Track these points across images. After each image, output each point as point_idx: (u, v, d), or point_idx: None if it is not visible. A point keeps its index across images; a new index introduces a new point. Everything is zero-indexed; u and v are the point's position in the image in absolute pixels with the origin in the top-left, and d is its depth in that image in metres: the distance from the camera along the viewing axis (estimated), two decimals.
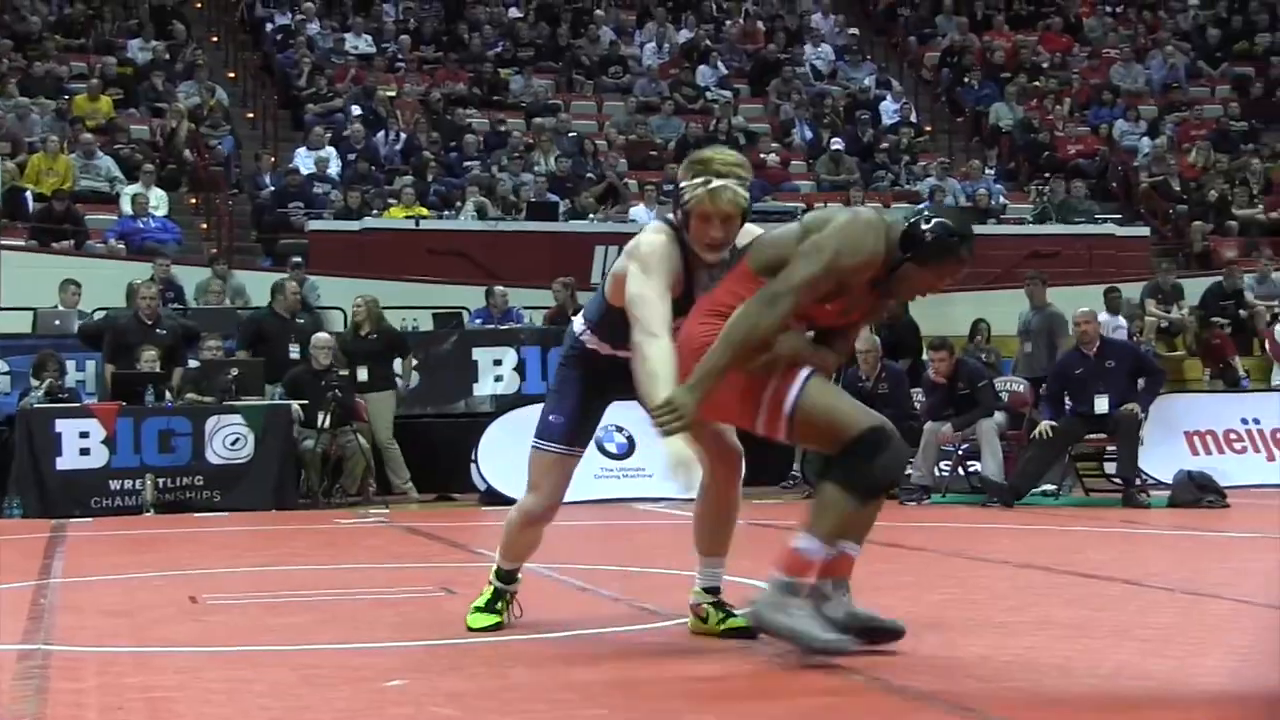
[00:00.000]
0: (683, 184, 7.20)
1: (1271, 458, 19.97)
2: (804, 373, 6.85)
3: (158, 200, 24.83)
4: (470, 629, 7.79)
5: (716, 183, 7.02)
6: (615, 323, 7.42)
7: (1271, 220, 28.76)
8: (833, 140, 29.83)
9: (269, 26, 30.54)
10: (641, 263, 7.14)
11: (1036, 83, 32.41)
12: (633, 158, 28.58)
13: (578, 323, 8.00)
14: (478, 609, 7.96)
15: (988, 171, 29.53)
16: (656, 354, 6.85)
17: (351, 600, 9.83)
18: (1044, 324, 19.95)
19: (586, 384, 7.83)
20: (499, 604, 7.97)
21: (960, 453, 18.73)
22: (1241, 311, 23.55)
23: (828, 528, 6.73)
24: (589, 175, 27.53)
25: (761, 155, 28.92)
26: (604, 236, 25.42)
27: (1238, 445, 20.01)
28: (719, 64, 31.68)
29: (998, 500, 16.94)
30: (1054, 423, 17.27)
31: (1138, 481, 17.03)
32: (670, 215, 7.48)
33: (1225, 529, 13.69)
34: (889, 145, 30.15)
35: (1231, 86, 32.97)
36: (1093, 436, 17.69)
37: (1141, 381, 17.98)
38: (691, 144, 28.61)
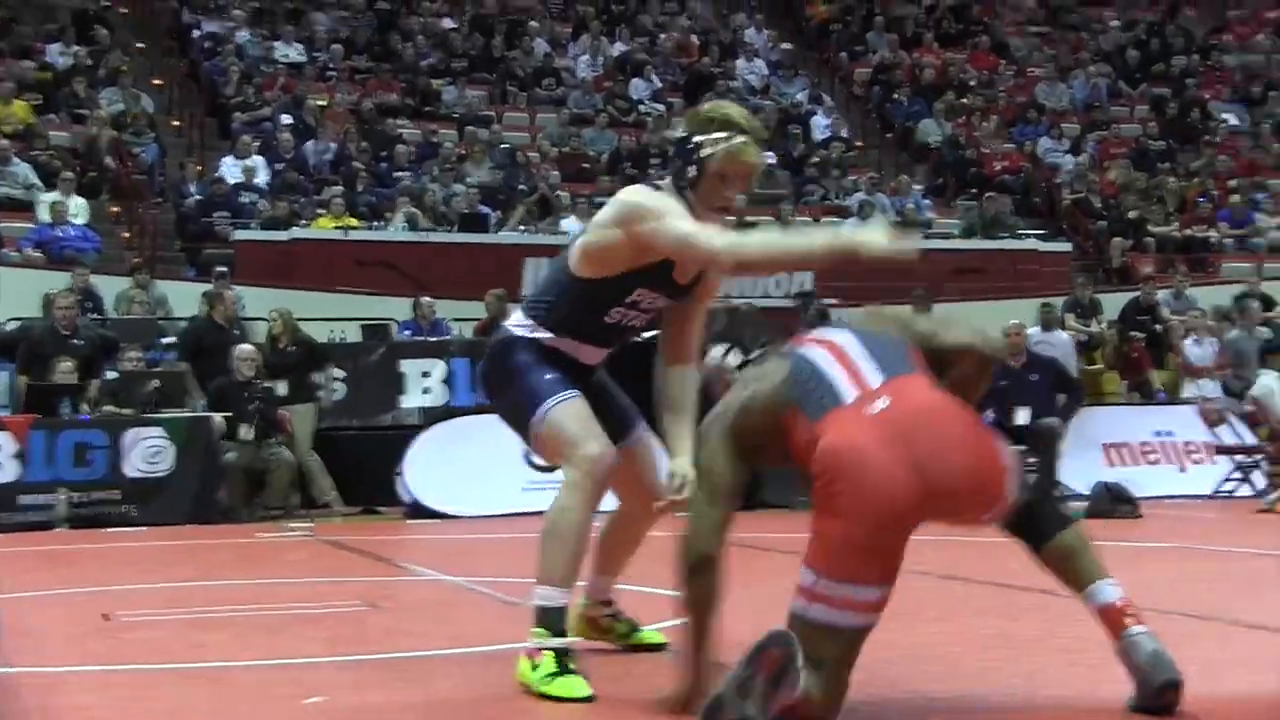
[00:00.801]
0: (699, 137, 6.42)
1: (1183, 469, 20.41)
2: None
3: (77, 208, 24.66)
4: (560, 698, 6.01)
5: (740, 139, 6.36)
6: (583, 304, 6.65)
7: (1185, 237, 28.99)
8: (765, 154, 29.85)
9: (196, 33, 30.49)
10: (654, 212, 6.27)
11: (964, 100, 32.67)
12: (565, 170, 28.57)
13: (513, 321, 7.02)
14: (551, 675, 6.06)
15: (916, 187, 29.66)
16: (764, 237, 6.40)
17: (273, 616, 9.63)
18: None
19: (554, 362, 6.65)
20: (569, 662, 6.14)
21: None
22: (1157, 326, 23.72)
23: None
24: (521, 187, 27.46)
25: None
26: (535, 249, 25.40)
27: (1151, 457, 20.53)
28: (653, 77, 31.76)
29: None
30: None
31: (1056, 493, 17.08)
32: (659, 180, 6.68)
33: (1137, 539, 13.76)
34: (820, 160, 30.26)
35: (1150, 107, 33.23)
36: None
37: (1062, 397, 18.24)
38: (624, 157, 28.78)
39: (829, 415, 5.21)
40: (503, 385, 6.80)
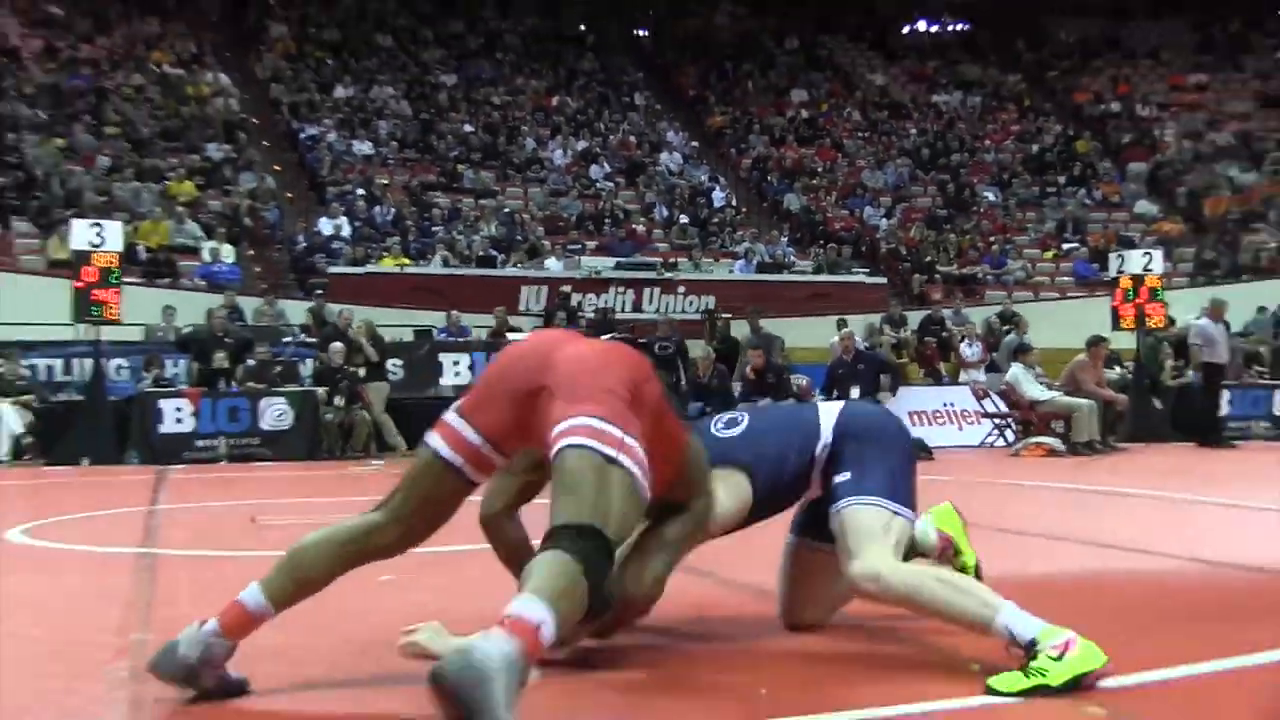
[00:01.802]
0: None
1: (960, 429, 20.76)
2: None
3: (227, 253, 24.61)
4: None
5: None
6: None
7: (961, 274, 29.04)
8: (680, 216, 29.89)
9: (302, 135, 30.31)
10: None
11: (814, 181, 32.55)
12: (547, 227, 28.51)
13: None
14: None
15: (782, 239, 29.58)
16: None
17: None
18: (764, 341, 20.08)
19: None
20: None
21: None
22: (943, 333, 23.79)
23: None
24: (517, 238, 27.43)
25: (633, 226, 29.01)
26: (527, 279, 25.57)
27: (940, 420, 20.88)
28: (605, 164, 31.62)
29: None
30: None
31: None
32: None
33: (933, 475, 13.77)
34: (718, 220, 30.22)
35: (937, 187, 33.17)
36: None
37: (886, 379, 18.48)
38: (587, 218, 28.78)
39: None
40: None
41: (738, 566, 5.95)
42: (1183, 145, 35.25)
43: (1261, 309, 25.47)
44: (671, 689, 4.08)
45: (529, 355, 4.05)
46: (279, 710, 3.84)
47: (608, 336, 21.93)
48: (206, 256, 24.63)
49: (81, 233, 17.44)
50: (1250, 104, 37.14)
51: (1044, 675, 3.72)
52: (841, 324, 21.75)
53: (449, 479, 4.01)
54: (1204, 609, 5.38)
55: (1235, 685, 3.91)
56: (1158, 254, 21.70)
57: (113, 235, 17.43)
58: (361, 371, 19.10)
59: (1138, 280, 20.51)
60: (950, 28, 40.76)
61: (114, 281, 17.16)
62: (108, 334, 17.96)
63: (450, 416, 4.11)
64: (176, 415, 17.83)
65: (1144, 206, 32.73)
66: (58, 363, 19.10)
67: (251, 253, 26.17)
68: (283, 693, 4.00)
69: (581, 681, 4.10)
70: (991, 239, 30.86)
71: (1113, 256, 22.39)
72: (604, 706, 3.89)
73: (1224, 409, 20.20)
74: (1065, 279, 29.58)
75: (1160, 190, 33.77)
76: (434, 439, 4.09)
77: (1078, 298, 27.61)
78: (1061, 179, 33.92)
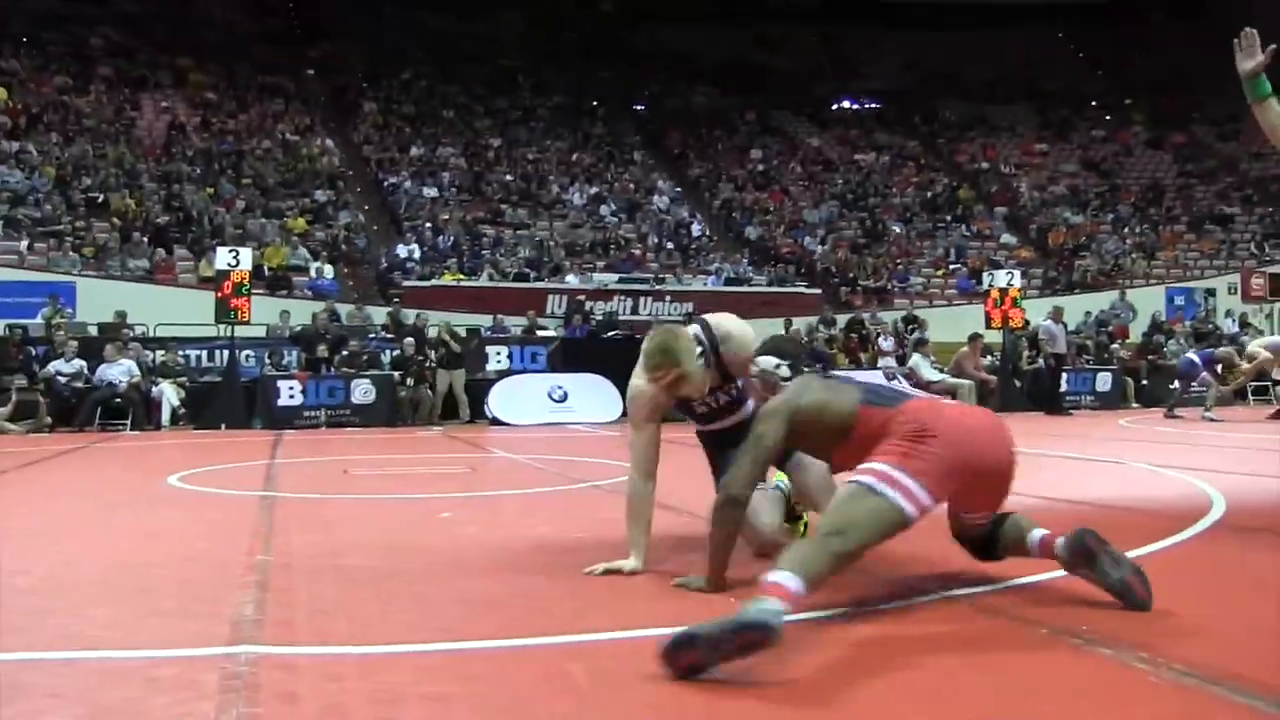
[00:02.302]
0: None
1: None
2: None
3: (328, 271, 24.65)
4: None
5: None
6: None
7: (877, 286, 29.07)
8: (667, 243, 29.90)
9: (385, 183, 30.31)
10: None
11: (767, 217, 32.54)
12: (568, 251, 28.48)
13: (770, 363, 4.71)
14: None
15: (743, 260, 29.59)
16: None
17: (425, 471, 9.75)
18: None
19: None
20: None
21: None
22: (864, 331, 23.85)
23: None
24: (545, 260, 27.44)
25: (632, 251, 29.01)
26: (552, 290, 25.60)
27: None
28: (611, 204, 31.56)
29: None
30: None
31: None
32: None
33: None
34: (695, 246, 30.16)
35: (859, 222, 33.08)
36: None
37: (819, 366, 18.46)
38: (595, 245, 28.76)
39: (905, 404, 3.89)
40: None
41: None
42: (1032, 194, 35.70)
43: (1088, 314, 26.73)
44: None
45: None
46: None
47: (610, 333, 22.07)
48: (313, 274, 24.65)
49: (222, 256, 17.53)
50: (1077, 166, 38.11)
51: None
52: (788, 324, 21.81)
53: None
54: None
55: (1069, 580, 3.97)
56: (1017, 273, 21.76)
57: (245, 258, 17.57)
58: (433, 358, 18.98)
59: (1003, 292, 20.53)
60: (867, 105, 40.98)
61: (245, 292, 17.27)
62: (240, 331, 18.03)
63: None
64: (290, 392, 17.75)
65: (1007, 238, 32.87)
66: (204, 353, 19.08)
67: (346, 270, 26.07)
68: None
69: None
70: (898, 261, 30.83)
71: (985, 275, 22.55)
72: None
73: (1063, 387, 20.27)
74: (951, 291, 29.66)
75: (1018, 227, 33.98)
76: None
77: (961, 305, 27.59)
78: (948, 217, 33.88)
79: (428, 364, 18.92)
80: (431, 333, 19.77)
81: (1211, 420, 16.16)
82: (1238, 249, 32.93)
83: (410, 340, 19.10)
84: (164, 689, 2.94)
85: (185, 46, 33.41)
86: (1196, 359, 17.99)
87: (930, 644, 3.33)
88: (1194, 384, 18.01)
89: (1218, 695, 2.80)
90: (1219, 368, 18.08)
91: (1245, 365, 18.03)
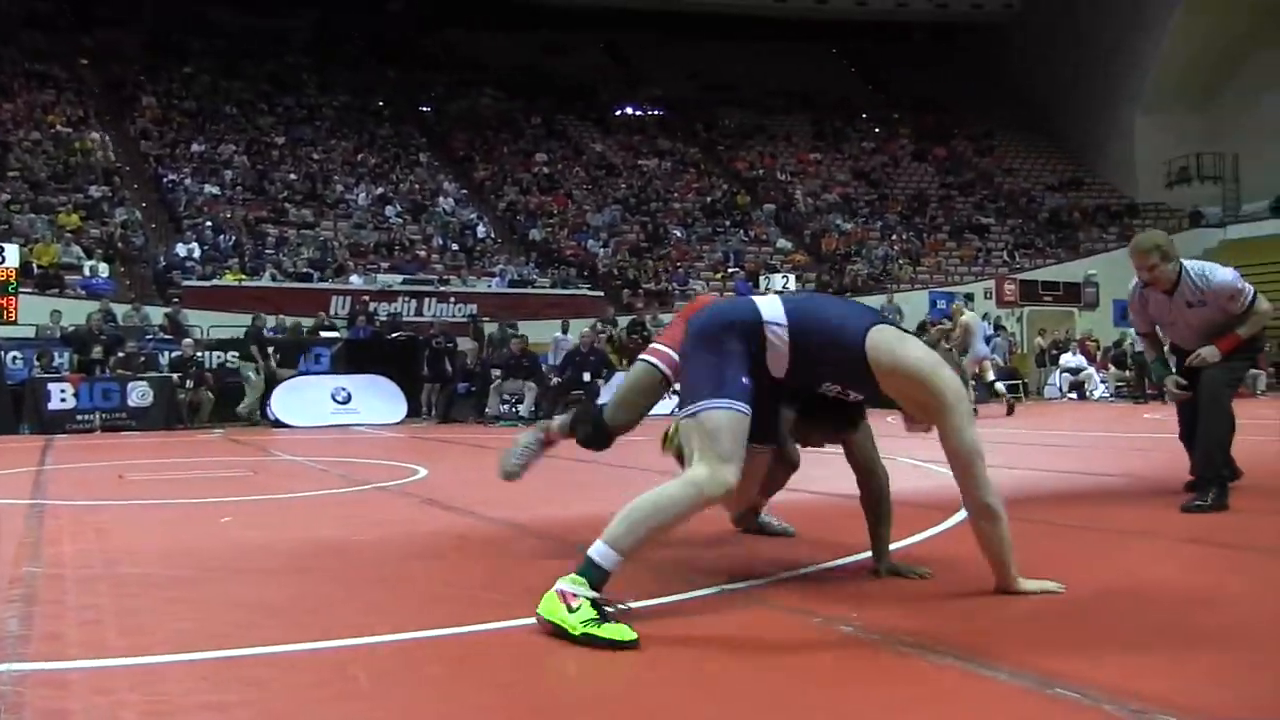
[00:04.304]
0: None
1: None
2: None
3: (103, 269, 23.64)
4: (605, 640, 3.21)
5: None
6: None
7: (658, 288, 29.35)
8: (452, 244, 29.61)
9: (164, 180, 29.22)
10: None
11: (551, 220, 32.60)
12: (352, 251, 27.95)
13: (770, 313, 3.82)
14: (593, 620, 3.22)
15: (528, 263, 29.59)
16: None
17: (201, 475, 9.37)
18: (506, 335, 20.24)
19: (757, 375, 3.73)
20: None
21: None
22: (645, 333, 23.95)
23: None
24: (329, 260, 26.82)
25: (417, 252, 28.63)
26: (336, 291, 25.01)
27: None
28: (396, 205, 31.08)
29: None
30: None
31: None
32: None
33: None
34: (480, 248, 30.02)
35: (640, 228, 33.44)
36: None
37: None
38: (382, 246, 28.21)
39: None
40: (705, 352, 3.71)
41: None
42: (807, 201, 36.86)
43: None
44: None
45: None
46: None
47: (394, 334, 21.78)
48: (87, 272, 23.60)
49: None
50: (849, 175, 39.59)
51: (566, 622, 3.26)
52: (565, 326, 21.92)
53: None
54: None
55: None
56: (792, 277, 22.53)
57: (12, 255, 16.78)
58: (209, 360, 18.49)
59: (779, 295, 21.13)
60: (650, 112, 41.57)
61: (12, 291, 16.50)
62: (7, 332, 17.21)
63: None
64: (61, 395, 16.96)
65: (783, 243, 33.73)
66: None
67: (123, 269, 25.08)
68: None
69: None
70: (678, 264, 31.29)
71: (762, 278, 23.18)
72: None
73: None
74: (730, 294, 30.20)
75: (793, 232, 34.98)
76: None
77: None
78: (727, 223, 34.65)
79: (205, 367, 18.35)
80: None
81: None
82: (993, 256, 34.77)
83: (189, 341, 18.45)
84: None
85: None
86: None
87: (707, 639, 3.41)
88: None
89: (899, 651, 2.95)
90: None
91: (956, 332, 18.78)
